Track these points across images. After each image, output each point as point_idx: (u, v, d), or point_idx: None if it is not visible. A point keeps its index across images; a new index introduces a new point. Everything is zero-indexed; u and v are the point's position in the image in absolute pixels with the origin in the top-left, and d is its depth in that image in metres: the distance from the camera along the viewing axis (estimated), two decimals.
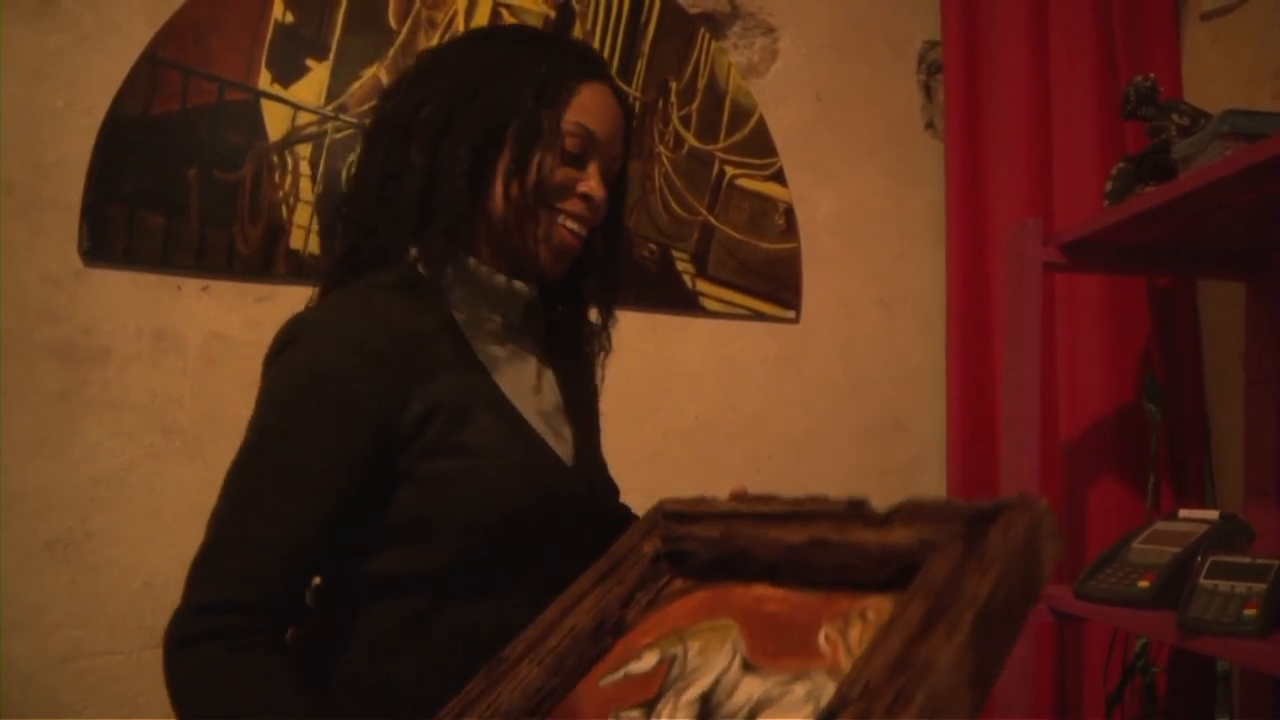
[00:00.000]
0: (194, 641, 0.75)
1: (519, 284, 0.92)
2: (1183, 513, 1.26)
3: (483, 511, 0.81)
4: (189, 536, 1.56)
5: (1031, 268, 1.32)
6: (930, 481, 1.97)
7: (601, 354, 1.03)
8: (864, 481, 1.99)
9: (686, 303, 1.89)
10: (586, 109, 0.90)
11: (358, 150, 0.96)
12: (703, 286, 1.90)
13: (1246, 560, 1.03)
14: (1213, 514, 1.21)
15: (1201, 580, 1.02)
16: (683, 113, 1.89)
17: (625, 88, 0.96)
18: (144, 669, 1.56)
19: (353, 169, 1.01)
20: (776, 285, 1.95)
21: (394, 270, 0.87)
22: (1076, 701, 1.59)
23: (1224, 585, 1.00)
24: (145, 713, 1.56)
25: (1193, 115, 1.18)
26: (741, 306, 1.92)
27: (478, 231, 0.90)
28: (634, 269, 1.83)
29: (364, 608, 0.83)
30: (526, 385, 0.93)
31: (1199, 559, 1.08)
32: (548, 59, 0.90)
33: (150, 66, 1.58)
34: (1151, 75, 1.22)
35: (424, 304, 0.85)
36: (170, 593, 1.57)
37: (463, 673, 0.67)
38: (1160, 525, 1.24)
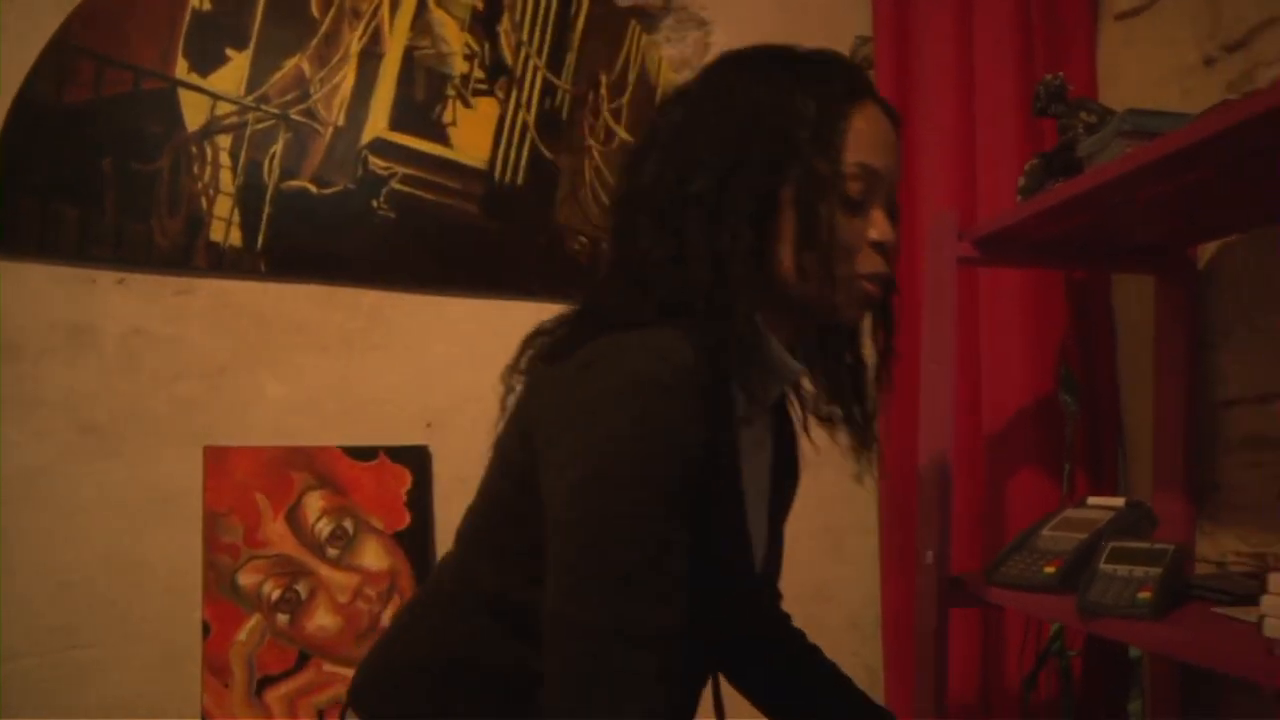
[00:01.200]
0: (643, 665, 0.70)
1: (796, 364, 0.86)
2: (1091, 500, 1.29)
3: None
4: (108, 535, 1.56)
5: (947, 261, 1.34)
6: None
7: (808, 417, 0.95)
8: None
9: None
10: (863, 142, 0.81)
11: (615, 215, 0.89)
12: None
13: (1145, 545, 1.06)
14: (1119, 501, 1.24)
15: (1102, 565, 1.05)
16: (613, 106, 1.89)
17: (888, 107, 0.88)
18: (61, 670, 1.53)
19: (616, 234, 0.91)
20: None
21: (691, 324, 0.77)
22: (999, 685, 1.63)
23: (1122, 570, 1.03)
24: (64, 714, 1.53)
25: (1100, 113, 1.20)
26: None
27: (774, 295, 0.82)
28: (564, 263, 1.83)
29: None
30: (758, 475, 0.90)
31: (1102, 545, 1.11)
32: (812, 93, 0.80)
33: (60, 53, 1.54)
34: (1060, 74, 1.24)
35: (715, 369, 0.77)
36: (87, 592, 1.55)
37: None
38: (1069, 513, 1.27)
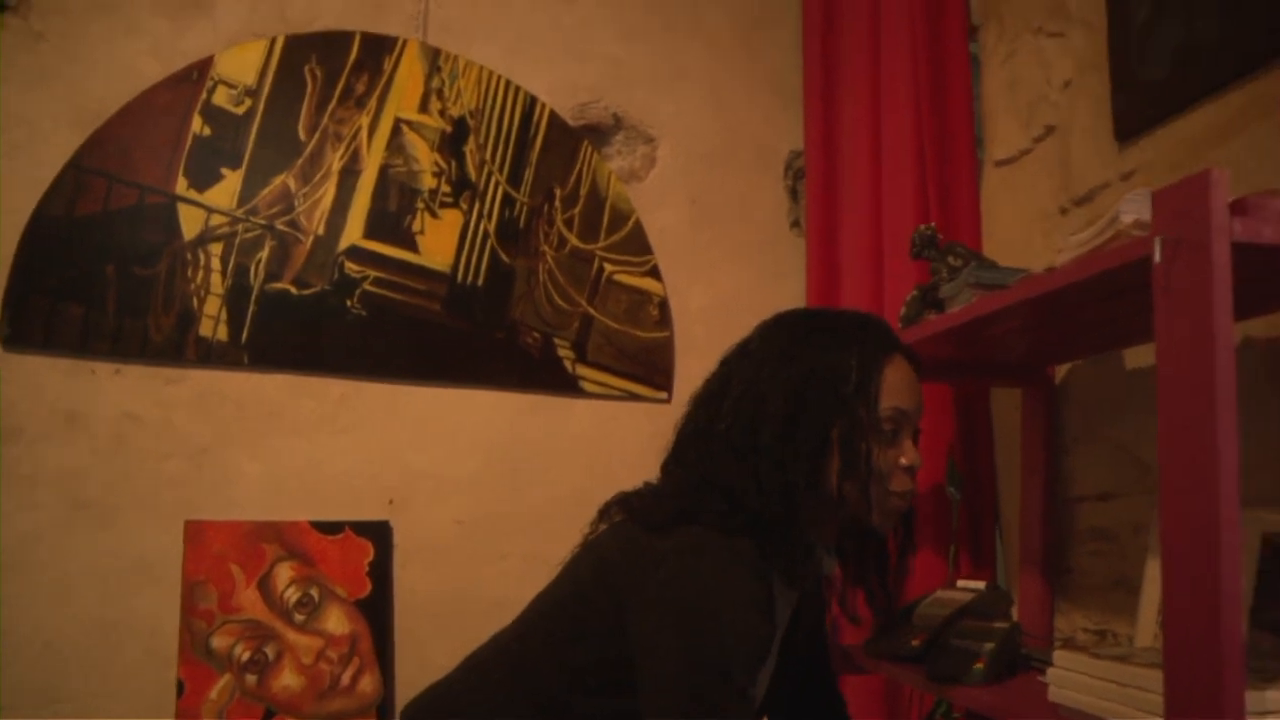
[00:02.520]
0: None
1: (831, 562, 1.10)
2: (960, 582, 1.50)
3: None
4: (94, 601, 1.72)
5: None
6: None
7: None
8: None
9: (567, 386, 2.09)
10: (894, 389, 1.04)
11: (694, 442, 1.09)
12: (582, 371, 2.11)
13: (986, 624, 1.27)
14: (980, 584, 1.45)
15: (952, 640, 1.26)
16: (566, 216, 2.12)
17: (911, 351, 1.13)
18: None
19: (696, 456, 1.09)
20: (651, 370, 2.17)
21: (752, 531, 0.98)
22: None
23: (966, 643, 1.24)
24: None
25: (966, 257, 1.43)
26: (618, 389, 2.13)
27: (826, 510, 1.04)
28: (518, 356, 2.03)
29: None
30: (775, 645, 1.10)
31: (958, 622, 1.31)
32: (853, 352, 1.03)
33: (75, 173, 1.75)
34: (932, 224, 1.48)
35: (769, 565, 0.98)
36: (69, 655, 1.70)
37: None
38: (940, 593, 1.48)
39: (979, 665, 1.19)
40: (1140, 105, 1.37)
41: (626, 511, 1.07)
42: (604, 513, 1.10)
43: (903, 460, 1.04)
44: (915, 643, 1.34)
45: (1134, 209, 0.88)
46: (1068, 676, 0.99)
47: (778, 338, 1.09)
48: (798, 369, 1.04)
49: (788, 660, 1.20)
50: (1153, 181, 1.37)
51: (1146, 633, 1.18)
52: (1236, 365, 1.12)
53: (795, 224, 2.38)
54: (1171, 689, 0.77)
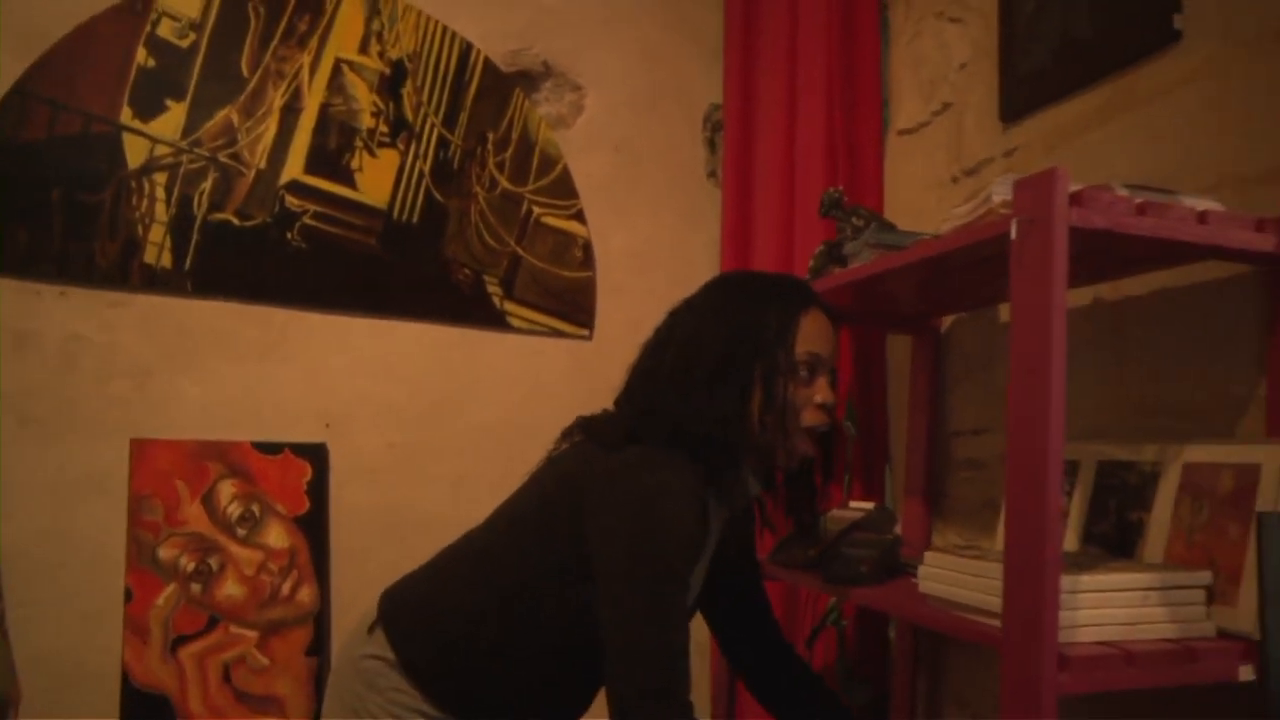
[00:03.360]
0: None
1: (757, 486, 1.27)
2: (851, 503, 1.72)
3: None
4: (44, 512, 1.80)
5: None
6: None
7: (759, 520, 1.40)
8: None
9: (495, 320, 2.23)
10: (809, 337, 1.20)
11: (645, 379, 1.25)
12: (509, 307, 2.24)
13: (873, 536, 1.49)
14: (870, 504, 1.67)
15: (843, 549, 1.47)
16: (497, 159, 2.23)
17: (831, 308, 1.30)
18: None
19: (646, 389, 1.25)
20: (574, 308, 2.31)
21: (691, 452, 1.15)
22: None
23: (855, 551, 1.45)
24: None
25: (868, 219, 1.62)
26: (543, 325, 2.28)
27: (754, 439, 1.20)
28: (450, 291, 2.15)
29: None
30: (709, 546, 1.26)
31: (849, 535, 1.53)
32: (774, 307, 1.20)
33: (19, 98, 1.77)
34: (840, 188, 1.65)
35: (704, 482, 1.15)
36: (22, 563, 1.77)
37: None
38: (835, 512, 1.69)
39: (865, 569, 1.40)
40: (1023, 92, 1.56)
41: (586, 433, 1.24)
42: (567, 434, 1.27)
43: (817, 398, 1.23)
44: (812, 552, 1.55)
45: (1003, 191, 1.06)
46: (933, 573, 1.20)
47: (715, 295, 1.28)
48: (728, 320, 1.22)
49: (724, 572, 1.39)
50: (1030, 159, 1.58)
51: (1000, 541, 1.41)
52: (1091, 323, 1.33)
53: (711, 174, 2.53)
54: (1008, 575, 0.98)
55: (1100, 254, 1.09)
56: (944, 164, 1.82)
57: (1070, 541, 1.31)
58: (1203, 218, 1.01)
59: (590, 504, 1.13)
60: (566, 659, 1.16)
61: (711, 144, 2.55)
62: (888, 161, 2.04)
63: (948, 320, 1.82)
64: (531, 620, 1.15)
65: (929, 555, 1.22)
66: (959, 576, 1.14)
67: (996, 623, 1.01)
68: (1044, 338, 0.94)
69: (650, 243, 2.43)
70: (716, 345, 1.20)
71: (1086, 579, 1.01)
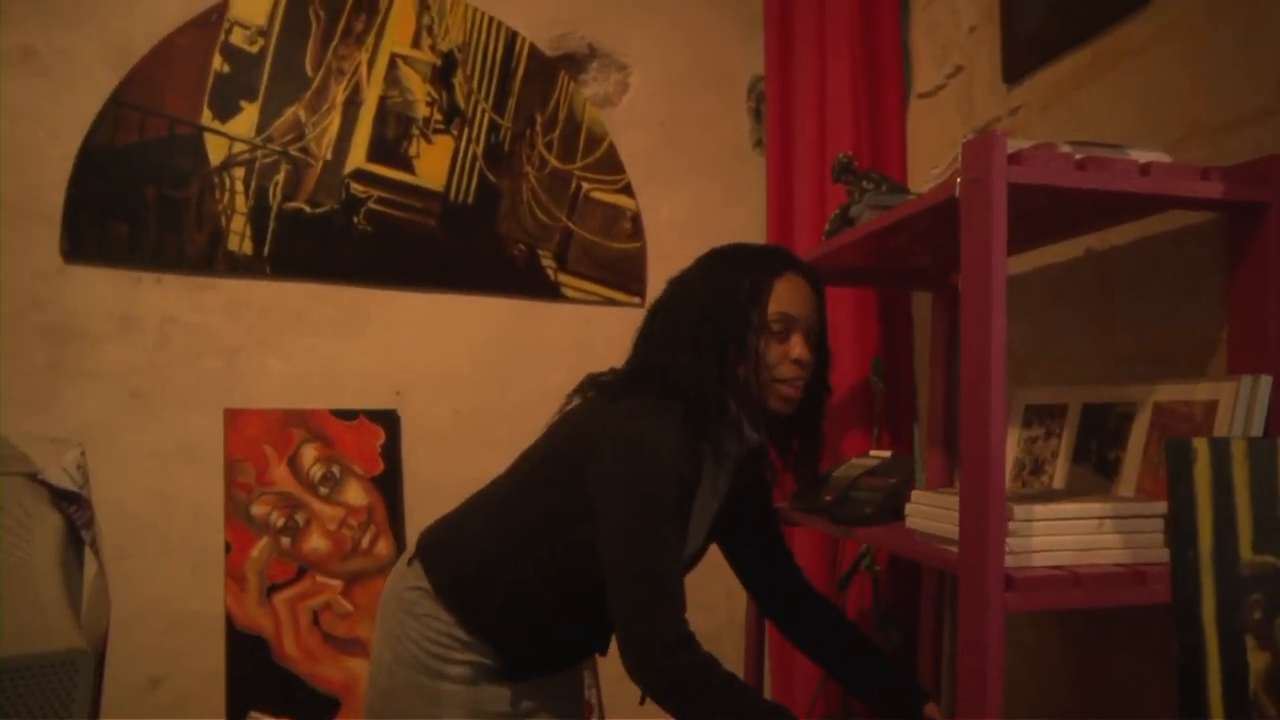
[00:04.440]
0: (686, 647, 1.18)
1: (754, 435, 1.38)
2: (871, 452, 1.81)
3: None
4: (150, 475, 2.04)
5: None
6: None
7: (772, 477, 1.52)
8: None
9: (550, 292, 2.38)
10: (782, 299, 1.31)
11: (647, 341, 1.38)
12: (563, 278, 2.39)
13: (880, 480, 1.59)
14: (886, 453, 1.76)
15: (851, 492, 1.58)
16: (546, 140, 2.37)
17: (810, 269, 1.40)
18: (115, 577, 2.01)
19: (647, 348, 1.38)
20: (625, 277, 2.45)
21: (681, 403, 1.27)
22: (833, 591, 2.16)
23: (862, 494, 1.55)
24: (122, 610, 2.01)
25: (878, 182, 1.70)
26: (596, 294, 2.42)
27: (736, 392, 1.33)
28: (505, 266, 2.31)
29: None
30: (707, 496, 1.38)
31: (860, 480, 1.63)
32: (748, 273, 1.33)
33: (115, 107, 2.00)
34: (849, 153, 1.73)
35: (697, 430, 1.28)
36: (134, 520, 2.02)
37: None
38: (854, 460, 1.79)
39: (867, 510, 1.51)
40: (1022, 52, 1.62)
41: (594, 388, 1.38)
42: (578, 390, 1.41)
43: (791, 354, 1.33)
44: (828, 498, 1.66)
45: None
46: (919, 509, 1.30)
47: (701, 264, 1.41)
48: (708, 285, 1.35)
49: (742, 524, 1.52)
50: (1030, 118, 1.64)
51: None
52: (1079, 276, 1.40)
53: (759, 144, 2.62)
54: (963, 506, 1.08)
55: (1061, 209, 1.16)
56: (957, 125, 1.88)
57: (1058, 479, 1.39)
58: (1145, 170, 1.08)
59: (591, 450, 1.27)
60: (579, 593, 1.30)
61: (758, 114, 2.64)
62: (910, 124, 2.10)
63: None
64: (544, 557, 1.30)
65: (915, 494, 1.32)
66: (936, 511, 1.24)
67: (956, 549, 1.11)
68: (985, 290, 1.03)
69: (695, 213, 2.54)
70: (697, 308, 1.32)
71: (1039, 509, 1.10)
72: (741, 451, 1.42)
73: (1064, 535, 1.11)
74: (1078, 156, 1.07)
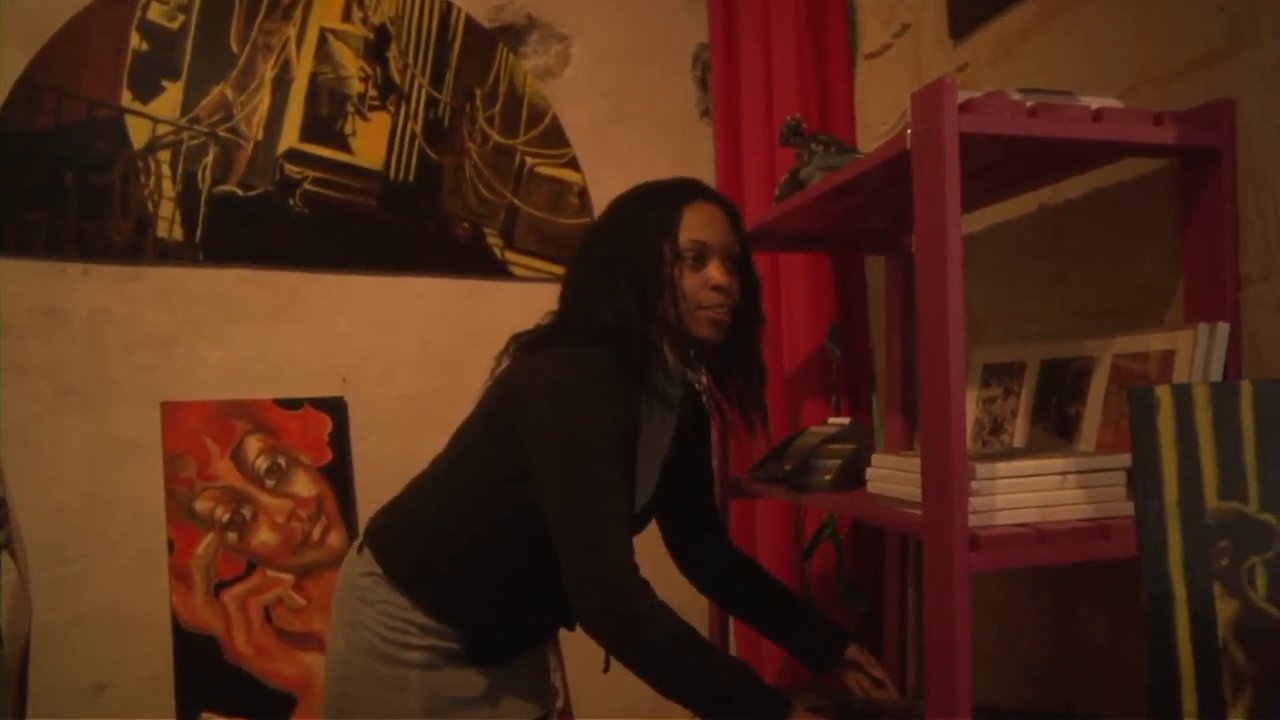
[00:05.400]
0: (635, 594, 1.15)
1: (686, 371, 1.34)
2: (830, 419, 1.79)
3: None
4: (86, 473, 1.95)
5: None
6: None
7: (761, 428, 1.45)
8: None
9: (497, 270, 2.32)
10: (692, 226, 1.28)
11: (567, 285, 1.36)
12: (510, 256, 2.33)
13: (839, 447, 1.56)
14: (845, 420, 1.74)
15: (811, 460, 1.55)
16: (487, 114, 2.31)
17: (721, 195, 1.38)
18: (55, 580, 1.93)
19: (568, 292, 1.36)
20: (574, 253, 2.39)
21: (605, 346, 1.24)
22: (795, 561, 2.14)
23: (820, 462, 1.53)
24: (63, 614, 1.92)
25: (826, 144, 1.66)
26: (544, 271, 2.37)
27: (660, 327, 1.30)
28: (450, 245, 2.25)
29: None
30: (652, 443, 1.35)
31: (820, 448, 1.60)
32: (657, 204, 1.30)
33: (28, 89, 1.90)
34: (798, 115, 1.69)
35: (625, 370, 1.25)
36: (72, 521, 1.94)
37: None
38: (813, 428, 1.76)
39: (827, 477, 1.48)
40: (968, 7, 1.59)
41: (519, 346, 1.34)
42: (504, 350, 1.37)
43: (709, 281, 1.30)
44: (788, 467, 1.63)
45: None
46: (879, 473, 1.28)
47: (611, 206, 1.39)
48: (616, 224, 1.33)
49: (676, 479, 1.48)
50: (980, 73, 1.61)
51: None
52: (1034, 232, 1.38)
53: (705, 113, 2.58)
54: (924, 467, 1.06)
55: (1014, 161, 1.14)
56: (905, 84, 1.85)
57: (1018, 438, 1.38)
58: (1098, 115, 1.05)
59: (519, 405, 1.24)
60: (529, 560, 1.26)
61: (704, 83, 2.60)
62: (857, 86, 2.07)
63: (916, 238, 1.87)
64: (490, 524, 1.26)
65: (876, 458, 1.29)
66: (897, 474, 1.22)
67: (919, 512, 1.09)
68: (940, 244, 1.00)
69: None
70: (609, 248, 1.30)
71: (1002, 467, 1.08)
72: (677, 393, 1.38)
73: (1027, 493, 1.09)
74: (1029, 104, 1.04)
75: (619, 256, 1.29)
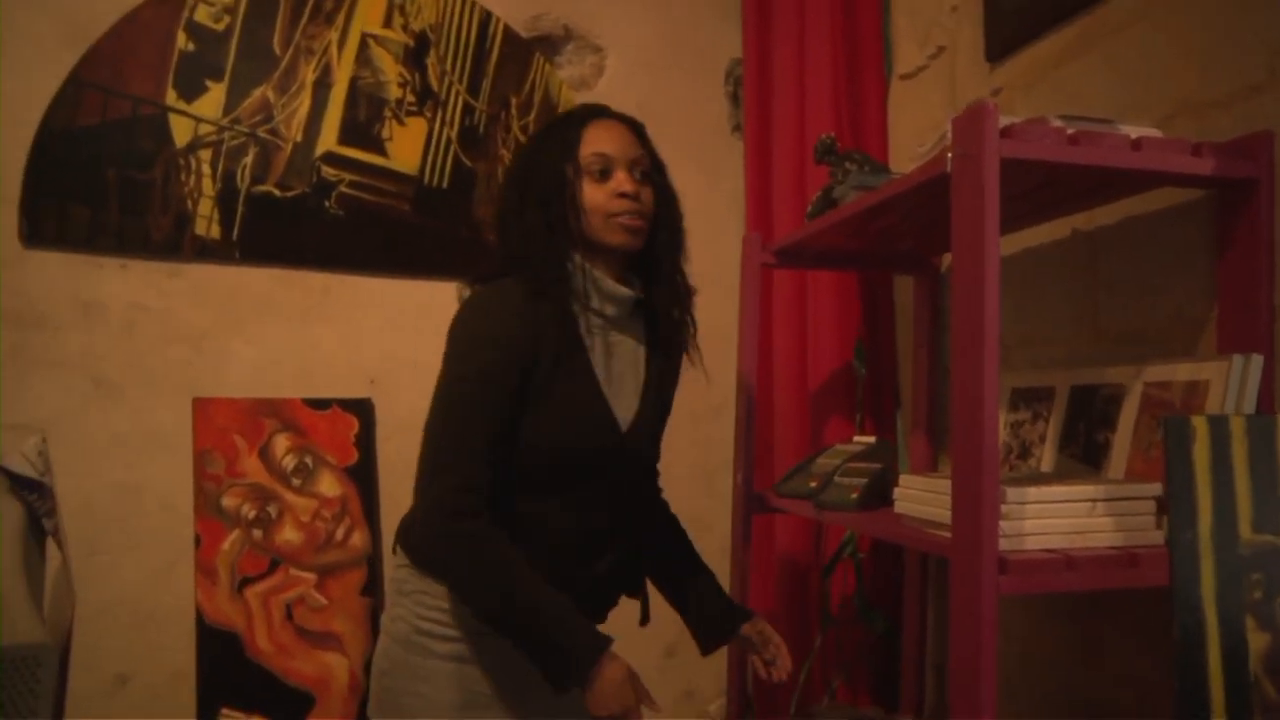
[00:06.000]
0: (462, 515, 1.18)
1: (622, 289, 1.33)
2: (855, 438, 1.80)
3: (549, 446, 1.26)
4: (117, 466, 1.97)
5: (754, 268, 1.83)
6: (728, 421, 2.46)
7: (691, 344, 1.44)
8: (680, 419, 2.49)
9: None
10: (593, 140, 1.30)
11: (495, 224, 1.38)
12: None
13: (865, 465, 1.57)
14: (870, 438, 1.75)
15: (836, 478, 1.55)
16: (521, 123, 2.33)
17: (622, 114, 1.39)
18: (84, 572, 1.95)
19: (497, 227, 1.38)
20: None
21: (526, 276, 1.26)
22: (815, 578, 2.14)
23: (847, 480, 1.53)
24: (89, 605, 1.95)
25: (861, 163, 1.67)
26: None
27: (585, 247, 1.31)
28: (482, 251, 2.27)
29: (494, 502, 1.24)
30: (617, 364, 1.36)
31: (845, 466, 1.61)
32: (558, 127, 1.33)
33: (74, 87, 1.93)
34: (832, 134, 1.71)
35: (546, 298, 1.26)
36: (102, 513, 1.96)
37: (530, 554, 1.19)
38: (838, 446, 1.77)
39: (853, 495, 1.48)
40: (1006, 31, 1.60)
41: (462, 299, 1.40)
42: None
43: (615, 188, 1.29)
44: (813, 484, 1.64)
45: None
46: (907, 494, 1.28)
47: (527, 140, 1.46)
48: (525, 156, 1.36)
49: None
50: (1014, 97, 1.62)
51: None
52: (1066, 256, 1.38)
53: (736, 128, 2.59)
54: (955, 489, 1.06)
55: (1052, 186, 1.14)
56: (940, 106, 1.86)
57: (1046, 463, 1.38)
58: (1137, 145, 1.06)
59: (447, 348, 1.29)
60: (532, 513, 1.26)
61: (735, 98, 2.61)
62: (891, 106, 2.08)
63: (946, 258, 1.87)
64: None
65: (904, 478, 1.30)
66: (924, 495, 1.22)
67: (949, 534, 1.09)
68: (978, 267, 1.01)
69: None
70: (517, 184, 1.33)
71: (1033, 491, 1.08)
72: (622, 311, 1.36)
73: (1056, 518, 1.09)
74: (1070, 131, 1.05)
75: (527, 185, 1.31)
